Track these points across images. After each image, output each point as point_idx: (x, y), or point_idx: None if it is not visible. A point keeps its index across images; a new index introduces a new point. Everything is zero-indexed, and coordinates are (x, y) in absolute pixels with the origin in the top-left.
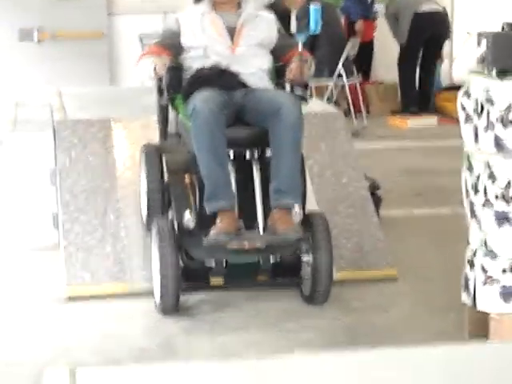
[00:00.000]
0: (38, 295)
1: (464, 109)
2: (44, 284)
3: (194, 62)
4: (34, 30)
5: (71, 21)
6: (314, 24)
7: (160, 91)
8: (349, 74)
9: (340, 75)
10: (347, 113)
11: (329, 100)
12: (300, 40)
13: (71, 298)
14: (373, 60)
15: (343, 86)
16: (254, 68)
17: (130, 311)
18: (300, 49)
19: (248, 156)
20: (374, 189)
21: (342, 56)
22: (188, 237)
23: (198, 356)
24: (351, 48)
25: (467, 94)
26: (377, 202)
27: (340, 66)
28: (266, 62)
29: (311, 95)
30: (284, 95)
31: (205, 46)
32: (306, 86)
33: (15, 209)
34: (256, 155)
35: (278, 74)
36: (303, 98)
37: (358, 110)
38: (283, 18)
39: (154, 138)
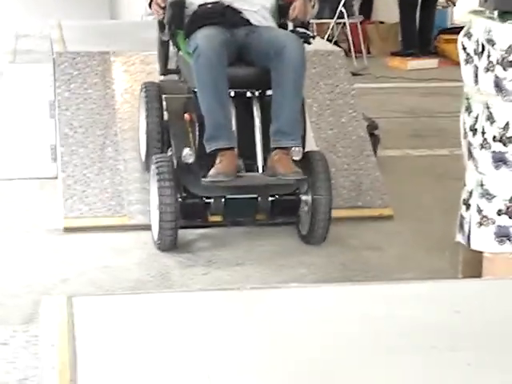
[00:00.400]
0: (36, 226)
1: (464, 49)
2: (41, 215)
3: None
4: None
5: None
6: None
7: (161, 27)
8: (350, 13)
9: (341, 14)
10: (348, 52)
11: (329, 39)
12: None
13: (68, 230)
14: None
15: (344, 25)
16: (257, 5)
17: (126, 244)
18: None
19: (249, 95)
20: (372, 129)
21: None
22: (187, 173)
23: (192, 288)
24: None
25: (468, 35)
26: (375, 142)
27: (341, 4)
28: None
29: (314, 36)
30: (287, 35)
31: None
32: (308, 26)
33: (14, 140)
34: (257, 95)
35: (280, 13)
36: (306, 39)
37: (358, 50)
38: None
39: (154, 72)
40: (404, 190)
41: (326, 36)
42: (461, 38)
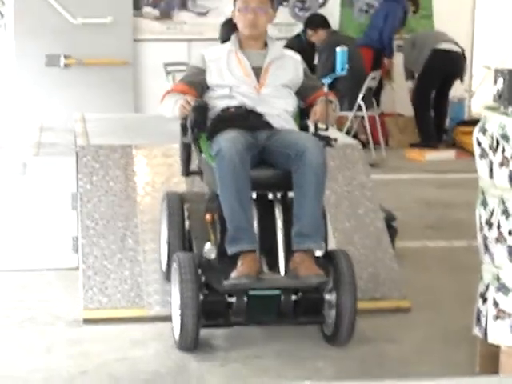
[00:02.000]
0: (56, 317)
1: (479, 144)
2: (62, 306)
3: (219, 101)
4: (60, 56)
5: (97, 47)
6: (341, 66)
7: (184, 129)
8: (368, 105)
9: (360, 107)
10: (366, 144)
11: (348, 132)
12: (326, 82)
13: (88, 321)
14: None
15: (363, 118)
16: (279, 109)
17: (144, 335)
18: (325, 90)
19: (271, 197)
20: (389, 220)
21: (362, 88)
22: (209, 271)
23: (210, 382)
24: (372, 80)
25: (483, 130)
26: (392, 233)
27: (360, 98)
28: (291, 103)
29: (336, 139)
30: (308, 138)
31: (230, 85)
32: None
33: (37, 231)
34: (279, 197)
35: (302, 115)
36: (327, 142)
37: (376, 142)
38: (308, 51)
39: (175, 164)
40: (421, 281)
41: (345, 128)
42: (476, 133)
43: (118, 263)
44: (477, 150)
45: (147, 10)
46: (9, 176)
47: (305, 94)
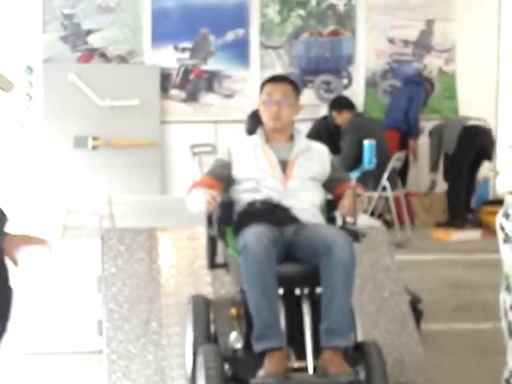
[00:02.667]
0: None
1: (503, 229)
2: None
3: (245, 194)
4: (88, 138)
5: (125, 129)
6: (368, 160)
7: (210, 222)
8: (393, 186)
9: (384, 187)
10: (391, 224)
11: (373, 212)
12: (353, 176)
13: None
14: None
15: (387, 198)
16: (306, 203)
17: None
18: (353, 183)
19: (298, 293)
20: (415, 302)
21: (387, 168)
22: (235, 365)
23: None
24: (396, 160)
25: (506, 215)
26: (418, 316)
27: (385, 178)
28: (318, 196)
29: (364, 234)
30: (337, 232)
31: (257, 178)
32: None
33: (61, 314)
34: (306, 293)
35: (329, 207)
36: (356, 237)
37: (401, 222)
38: (334, 132)
39: (199, 247)
40: (447, 364)
41: (370, 209)
42: (499, 217)
43: (142, 347)
44: (500, 235)
45: (174, 92)
46: (35, 258)
47: (332, 186)
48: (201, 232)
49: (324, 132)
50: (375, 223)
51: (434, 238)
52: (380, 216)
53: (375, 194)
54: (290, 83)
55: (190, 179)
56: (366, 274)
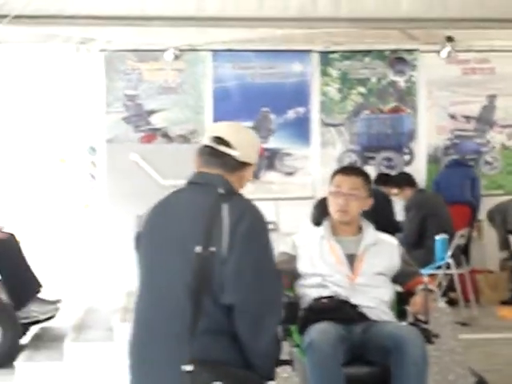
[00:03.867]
0: None
1: None
2: None
3: (310, 289)
4: None
5: None
6: (441, 256)
7: None
8: (458, 263)
9: (448, 265)
10: (456, 302)
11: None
12: (425, 273)
13: None
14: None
15: (452, 276)
16: (375, 300)
17: None
18: (425, 278)
19: None
20: None
21: (451, 246)
22: None
23: None
24: (460, 238)
25: None
26: None
27: (449, 256)
28: (387, 293)
29: (437, 335)
30: (408, 329)
31: (323, 274)
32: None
33: None
34: None
35: (399, 300)
36: (427, 338)
37: (467, 299)
38: (384, 203)
39: None
40: None
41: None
42: None
43: None
44: None
45: None
46: (96, 340)
47: (402, 280)
48: None
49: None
50: (439, 304)
51: (499, 315)
52: (444, 294)
53: (440, 272)
54: (361, 175)
55: None
56: (431, 357)
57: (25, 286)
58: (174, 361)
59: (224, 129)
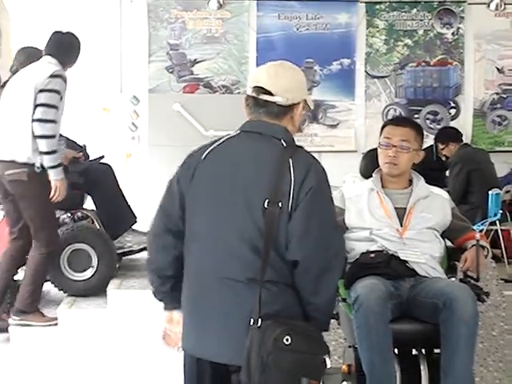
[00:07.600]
0: None
1: None
2: None
3: (358, 243)
4: None
5: None
6: (493, 212)
7: None
8: (502, 219)
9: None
10: (500, 258)
11: None
12: (477, 229)
13: None
14: None
15: (496, 231)
16: (425, 255)
17: None
18: (477, 234)
19: (415, 352)
20: None
21: None
22: None
23: None
24: (506, 194)
25: None
26: None
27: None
28: (437, 248)
29: (488, 293)
30: (459, 286)
31: (371, 228)
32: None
33: None
34: (424, 352)
35: (450, 256)
36: (478, 295)
37: (510, 256)
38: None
39: None
40: None
41: None
42: None
43: None
44: None
45: None
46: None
47: (453, 235)
48: None
49: (432, 163)
50: None
51: None
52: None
53: (493, 228)
54: (413, 127)
55: None
56: None
57: (120, 217)
58: (243, 311)
59: (264, 76)
